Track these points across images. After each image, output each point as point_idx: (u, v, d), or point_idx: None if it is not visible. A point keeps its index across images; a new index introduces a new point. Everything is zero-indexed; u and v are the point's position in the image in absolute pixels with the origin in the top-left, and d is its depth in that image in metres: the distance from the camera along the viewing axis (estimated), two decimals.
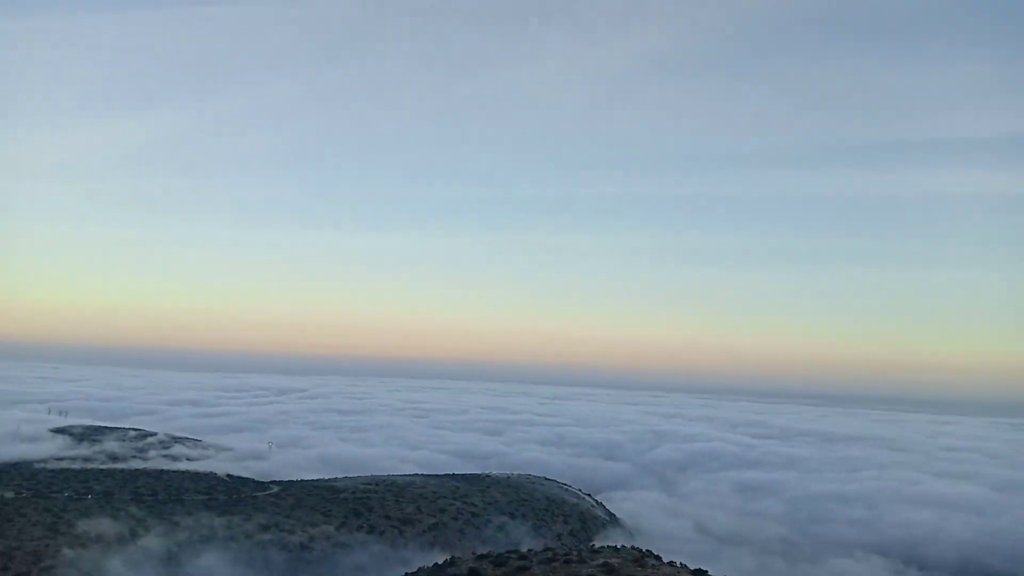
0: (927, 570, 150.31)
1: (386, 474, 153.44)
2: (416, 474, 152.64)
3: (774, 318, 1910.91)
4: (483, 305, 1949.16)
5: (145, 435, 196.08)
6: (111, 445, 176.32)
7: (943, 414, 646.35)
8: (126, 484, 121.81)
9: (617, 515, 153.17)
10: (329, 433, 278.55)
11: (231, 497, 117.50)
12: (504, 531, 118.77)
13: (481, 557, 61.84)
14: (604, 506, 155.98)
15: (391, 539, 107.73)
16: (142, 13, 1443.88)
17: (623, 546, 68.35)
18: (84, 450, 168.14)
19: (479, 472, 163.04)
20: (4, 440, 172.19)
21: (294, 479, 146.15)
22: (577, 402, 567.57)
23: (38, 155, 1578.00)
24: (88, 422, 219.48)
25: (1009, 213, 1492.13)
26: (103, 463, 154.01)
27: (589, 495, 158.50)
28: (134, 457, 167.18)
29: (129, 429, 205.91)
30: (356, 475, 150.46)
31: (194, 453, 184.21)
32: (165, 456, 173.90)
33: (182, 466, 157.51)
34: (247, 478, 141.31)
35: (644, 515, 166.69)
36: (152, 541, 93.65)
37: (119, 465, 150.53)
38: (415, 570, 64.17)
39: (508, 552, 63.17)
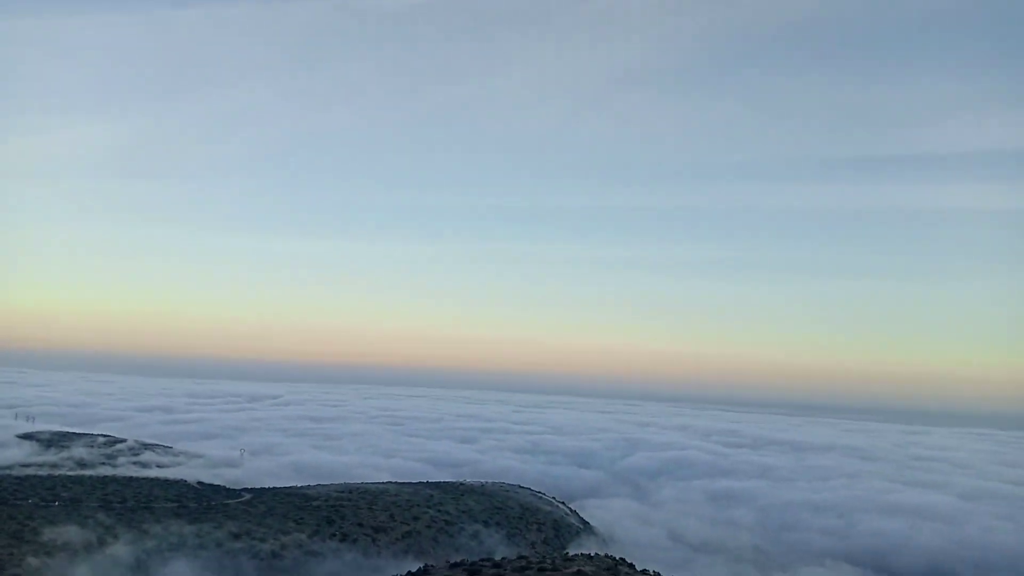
0: None
1: (359, 482, 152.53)
2: (390, 482, 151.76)
3: (746, 329, 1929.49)
4: (458, 313, 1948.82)
5: (114, 441, 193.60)
6: (79, 451, 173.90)
7: (912, 424, 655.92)
8: (94, 491, 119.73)
9: (591, 523, 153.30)
10: (302, 440, 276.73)
11: (202, 505, 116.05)
12: (478, 539, 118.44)
13: (455, 565, 61.67)
14: (578, 514, 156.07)
15: (364, 547, 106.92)
16: (115, 16, 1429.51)
17: (597, 554, 68.51)
18: (51, 456, 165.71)
19: (453, 480, 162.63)
20: None
21: (266, 487, 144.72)
22: (552, 410, 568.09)
23: (6, 156, 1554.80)
24: (56, 428, 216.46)
25: (989, 227, 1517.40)
26: (71, 469, 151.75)
27: (563, 503, 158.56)
28: (103, 464, 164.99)
29: (98, 435, 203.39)
30: (329, 483, 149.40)
31: (164, 460, 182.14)
32: (135, 463, 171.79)
33: (152, 473, 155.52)
34: (218, 485, 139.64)
35: (618, 523, 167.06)
36: (120, 549, 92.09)
37: (87, 472, 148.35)
38: None
39: (482, 560, 63.09)
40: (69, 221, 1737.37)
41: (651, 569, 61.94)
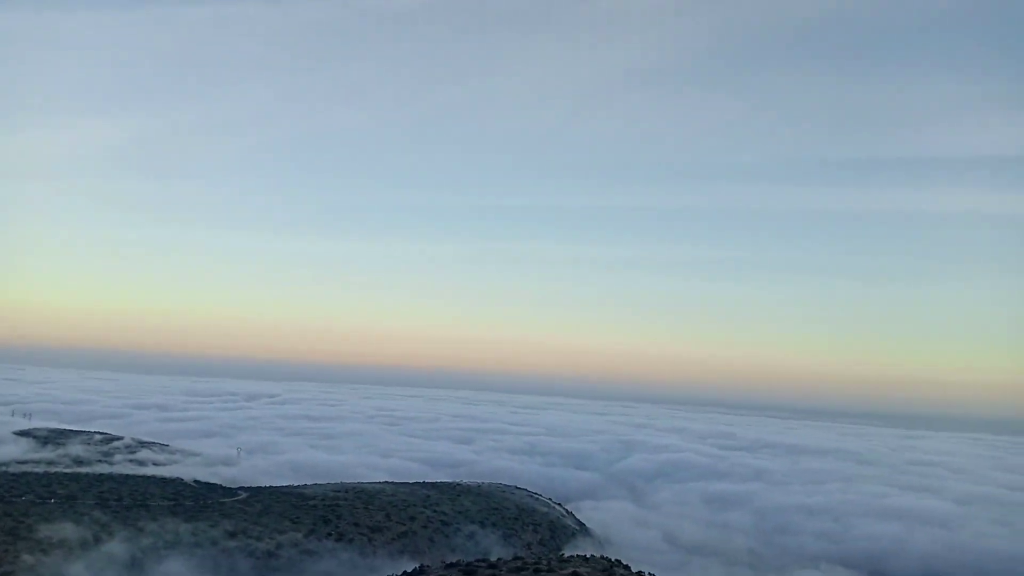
0: None
1: (356, 481, 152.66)
2: (386, 482, 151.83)
3: (744, 331, 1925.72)
4: (456, 313, 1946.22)
5: (111, 439, 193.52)
6: (76, 449, 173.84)
7: (908, 428, 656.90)
8: (90, 488, 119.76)
9: (587, 525, 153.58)
10: (299, 440, 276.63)
11: (198, 503, 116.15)
12: (474, 540, 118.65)
13: (451, 565, 61.93)
14: (574, 515, 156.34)
15: (360, 547, 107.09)
16: (119, 13, 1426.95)
17: (592, 556, 68.79)
18: (48, 453, 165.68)
19: (450, 480, 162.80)
20: None
21: (263, 485, 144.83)
22: (548, 411, 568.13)
23: (7, 153, 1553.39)
24: (53, 425, 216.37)
25: (988, 232, 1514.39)
26: (67, 467, 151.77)
27: (559, 504, 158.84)
28: (99, 461, 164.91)
29: (95, 433, 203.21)
30: (326, 482, 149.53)
31: (161, 458, 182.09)
32: (131, 461, 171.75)
33: (148, 471, 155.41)
34: (215, 484, 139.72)
35: (613, 525, 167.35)
36: (116, 547, 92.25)
37: (84, 469, 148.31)
38: None
39: (478, 560, 63.34)
40: (68, 219, 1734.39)
41: (646, 571, 62.23)
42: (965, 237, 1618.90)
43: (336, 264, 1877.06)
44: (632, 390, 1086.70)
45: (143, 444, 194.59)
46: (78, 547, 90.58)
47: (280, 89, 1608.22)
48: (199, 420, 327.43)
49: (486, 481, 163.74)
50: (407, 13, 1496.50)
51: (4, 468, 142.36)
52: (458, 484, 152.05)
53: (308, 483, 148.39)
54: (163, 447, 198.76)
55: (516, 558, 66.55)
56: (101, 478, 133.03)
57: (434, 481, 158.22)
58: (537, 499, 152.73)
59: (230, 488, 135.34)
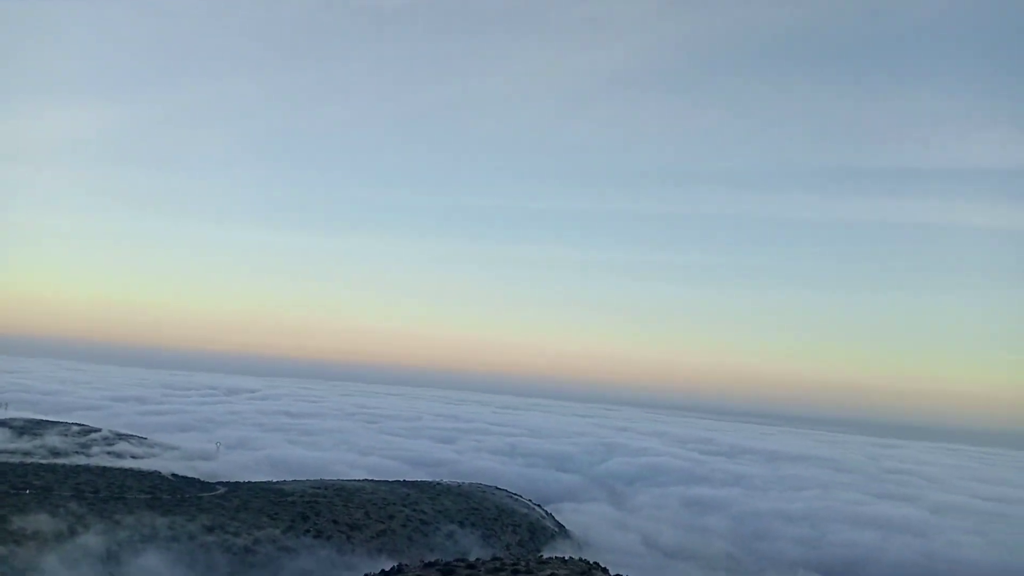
0: None
1: (335, 479, 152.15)
2: (366, 480, 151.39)
3: (725, 337, 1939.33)
4: (438, 312, 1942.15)
5: (88, 431, 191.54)
6: (53, 440, 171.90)
7: (886, 437, 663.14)
8: (67, 480, 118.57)
9: (566, 526, 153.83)
10: (278, 435, 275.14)
11: (175, 497, 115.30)
12: (453, 539, 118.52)
13: (429, 565, 61.64)
14: (554, 517, 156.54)
15: (338, 544, 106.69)
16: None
17: (571, 558, 68.73)
18: (24, 444, 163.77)
19: (430, 480, 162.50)
20: None
21: (241, 481, 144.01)
22: (530, 412, 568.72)
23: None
24: (29, 415, 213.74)
25: (976, 243, 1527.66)
26: (44, 458, 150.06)
27: (539, 506, 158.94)
28: (76, 453, 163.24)
29: (72, 424, 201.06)
30: (305, 479, 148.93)
31: (139, 451, 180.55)
32: (109, 453, 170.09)
33: (126, 464, 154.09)
34: (193, 478, 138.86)
35: (593, 527, 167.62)
36: (92, 539, 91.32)
37: (60, 460, 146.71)
38: None
39: (456, 560, 63.07)
40: (51, 206, 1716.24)
41: (625, 574, 62.28)
42: (948, 248, 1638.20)
43: (319, 260, 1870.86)
44: (613, 393, 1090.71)
45: (121, 436, 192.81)
46: (53, 539, 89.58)
47: (267, 83, 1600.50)
48: (177, 414, 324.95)
49: (467, 481, 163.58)
50: (389, 12, 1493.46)
51: None
52: (438, 484, 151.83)
53: (287, 479, 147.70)
54: (141, 440, 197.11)
55: (495, 559, 66.40)
56: (78, 469, 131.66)
57: (414, 480, 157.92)
58: (517, 500, 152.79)
59: (208, 483, 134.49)
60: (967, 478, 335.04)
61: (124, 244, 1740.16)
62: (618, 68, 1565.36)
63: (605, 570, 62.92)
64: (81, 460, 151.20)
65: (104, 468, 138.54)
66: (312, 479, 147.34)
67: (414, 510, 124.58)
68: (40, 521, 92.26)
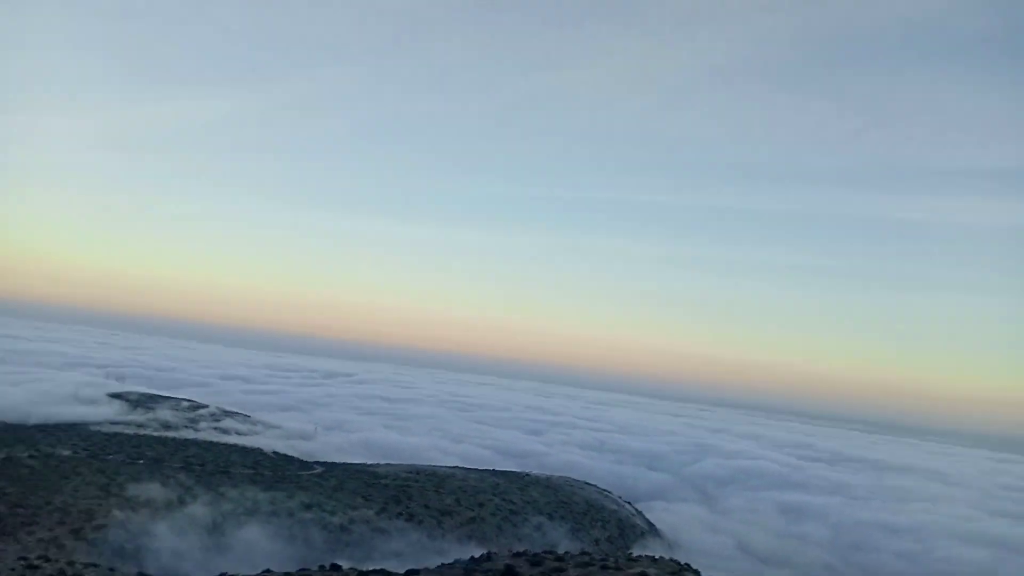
0: None
1: (427, 464, 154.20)
2: (457, 467, 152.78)
3: (830, 341, 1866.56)
4: (532, 305, 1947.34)
5: (197, 406, 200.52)
6: (164, 413, 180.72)
7: (1002, 451, 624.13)
8: (177, 452, 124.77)
9: (656, 525, 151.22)
10: (374, 419, 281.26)
11: (276, 474, 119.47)
12: (541, 531, 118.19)
13: (517, 555, 61.44)
14: (643, 515, 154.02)
15: (429, 529, 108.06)
16: None
17: (661, 557, 67.24)
18: (138, 416, 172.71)
19: (519, 470, 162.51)
20: (63, 401, 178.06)
21: (337, 461, 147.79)
22: (621, 409, 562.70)
23: (109, 126, 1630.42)
24: (143, 389, 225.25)
25: None
26: (156, 430, 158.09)
27: (629, 503, 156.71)
28: (186, 427, 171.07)
29: (182, 399, 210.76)
30: (398, 463, 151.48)
31: (243, 428, 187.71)
32: (215, 428, 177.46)
33: (231, 439, 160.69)
34: (292, 457, 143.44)
35: (683, 528, 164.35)
36: (198, 509, 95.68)
37: (171, 433, 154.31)
38: (451, 562, 64.13)
39: (545, 552, 62.62)
40: (165, 192, 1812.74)
41: None
42: None
43: (420, 251, 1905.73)
44: (710, 393, 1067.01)
45: (227, 413, 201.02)
46: (164, 507, 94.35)
47: (369, 72, 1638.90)
48: (279, 394, 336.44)
49: (555, 474, 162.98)
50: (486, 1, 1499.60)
51: (98, 428, 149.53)
52: (527, 475, 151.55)
53: (381, 462, 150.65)
54: (245, 417, 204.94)
55: (583, 553, 65.66)
56: (187, 443, 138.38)
57: (504, 470, 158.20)
58: (606, 496, 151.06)
59: (307, 462, 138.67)
60: None
61: (235, 230, 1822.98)
62: (720, 61, 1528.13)
63: (697, 572, 61.17)
64: (190, 434, 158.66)
65: (211, 443, 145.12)
66: (405, 463, 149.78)
67: (503, 499, 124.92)
68: (152, 490, 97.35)
